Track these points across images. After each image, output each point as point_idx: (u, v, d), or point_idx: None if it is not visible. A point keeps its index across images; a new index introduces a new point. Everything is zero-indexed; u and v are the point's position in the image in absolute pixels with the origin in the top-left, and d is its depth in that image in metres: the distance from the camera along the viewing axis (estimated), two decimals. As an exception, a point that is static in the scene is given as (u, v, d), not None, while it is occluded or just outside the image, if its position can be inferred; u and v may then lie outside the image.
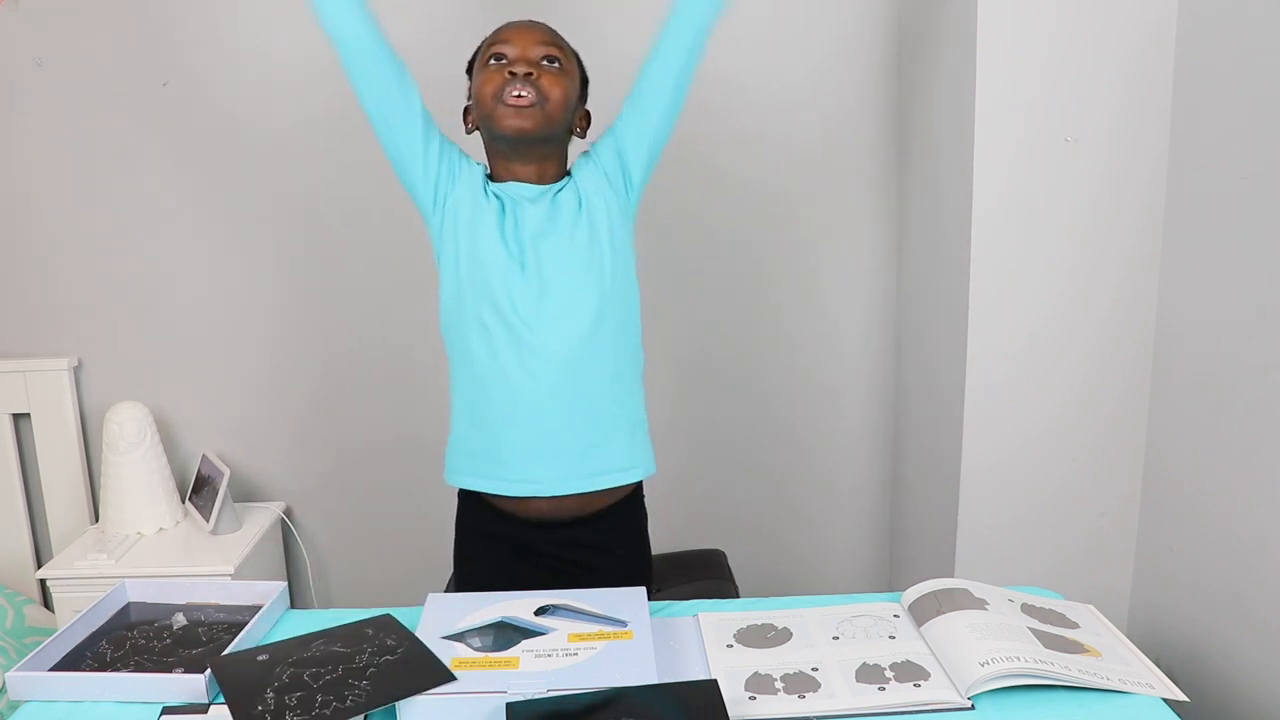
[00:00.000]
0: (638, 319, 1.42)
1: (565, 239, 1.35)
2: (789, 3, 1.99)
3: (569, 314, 1.34)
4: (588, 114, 1.44)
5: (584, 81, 1.43)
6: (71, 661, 1.17)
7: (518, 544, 1.40)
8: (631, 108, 1.39)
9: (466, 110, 1.41)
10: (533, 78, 1.31)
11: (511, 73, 1.31)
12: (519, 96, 1.31)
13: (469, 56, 1.42)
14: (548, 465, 1.35)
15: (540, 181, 1.37)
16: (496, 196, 1.37)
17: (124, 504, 2.00)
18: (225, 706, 1.04)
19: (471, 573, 1.46)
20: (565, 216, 1.36)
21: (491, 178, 1.40)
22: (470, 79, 1.41)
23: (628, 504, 1.43)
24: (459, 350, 1.38)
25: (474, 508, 1.43)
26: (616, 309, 1.37)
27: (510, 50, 1.33)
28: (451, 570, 1.51)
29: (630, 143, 1.39)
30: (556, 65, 1.35)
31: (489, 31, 1.39)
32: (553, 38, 1.37)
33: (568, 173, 1.41)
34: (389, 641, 1.15)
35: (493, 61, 1.34)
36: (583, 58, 1.43)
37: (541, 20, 1.40)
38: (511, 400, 1.34)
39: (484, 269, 1.34)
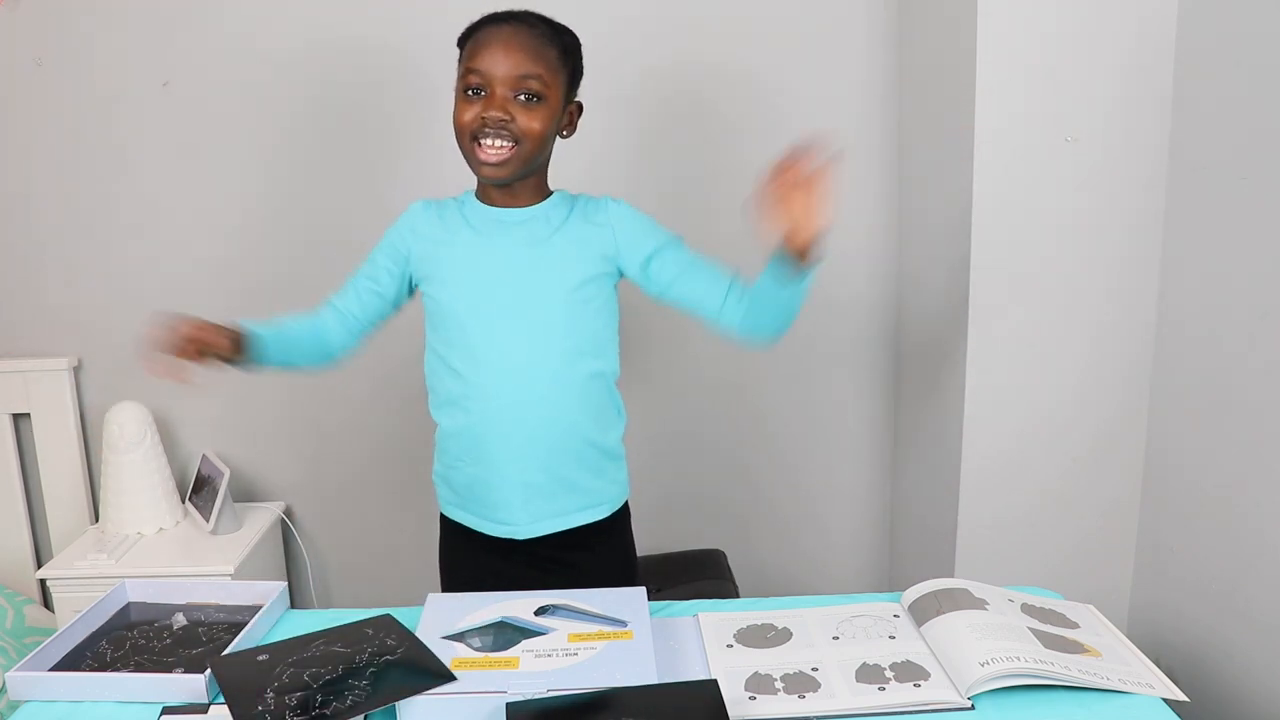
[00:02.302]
0: (616, 361, 1.39)
1: (550, 281, 1.32)
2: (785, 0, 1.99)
3: (546, 355, 1.32)
4: (579, 106, 1.36)
5: (575, 76, 1.34)
6: (71, 661, 1.17)
7: (498, 548, 1.40)
8: (643, 257, 1.35)
9: None
10: (508, 122, 1.25)
11: (484, 118, 1.25)
12: (493, 148, 1.26)
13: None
14: (519, 507, 1.36)
15: (518, 204, 1.34)
16: (474, 227, 1.34)
17: (124, 504, 1.99)
18: (225, 706, 1.04)
19: (454, 571, 1.47)
20: (551, 259, 1.32)
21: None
22: (460, 57, 1.32)
23: (608, 517, 1.43)
24: (439, 391, 1.39)
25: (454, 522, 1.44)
26: (594, 352, 1.35)
27: (485, 79, 1.25)
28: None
29: (627, 261, 1.36)
30: (535, 99, 1.26)
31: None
32: (533, 54, 1.26)
33: (566, 196, 1.38)
34: (389, 641, 1.15)
35: (469, 93, 1.27)
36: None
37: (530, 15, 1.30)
38: (486, 442, 1.34)
39: (460, 315, 1.33)
